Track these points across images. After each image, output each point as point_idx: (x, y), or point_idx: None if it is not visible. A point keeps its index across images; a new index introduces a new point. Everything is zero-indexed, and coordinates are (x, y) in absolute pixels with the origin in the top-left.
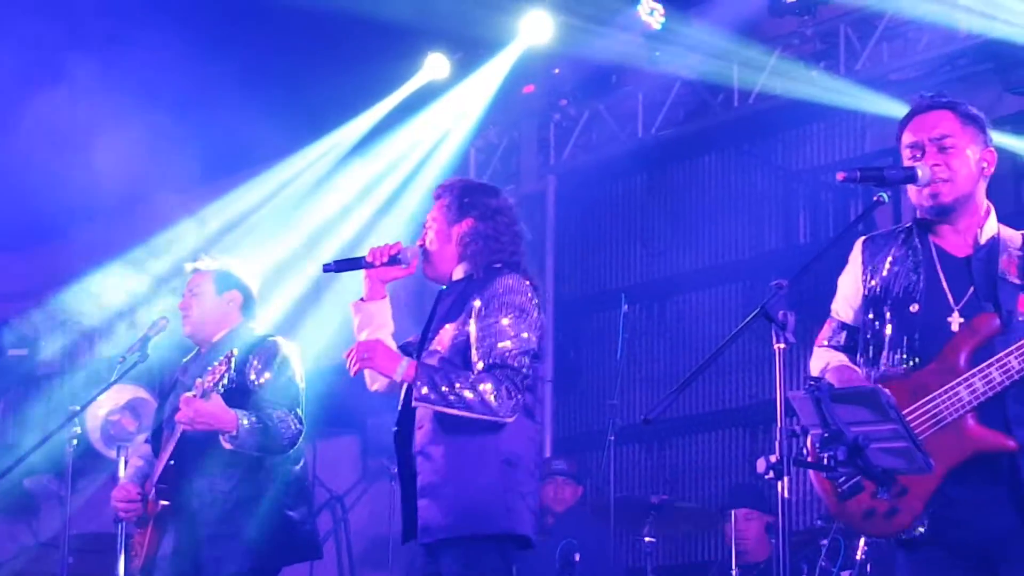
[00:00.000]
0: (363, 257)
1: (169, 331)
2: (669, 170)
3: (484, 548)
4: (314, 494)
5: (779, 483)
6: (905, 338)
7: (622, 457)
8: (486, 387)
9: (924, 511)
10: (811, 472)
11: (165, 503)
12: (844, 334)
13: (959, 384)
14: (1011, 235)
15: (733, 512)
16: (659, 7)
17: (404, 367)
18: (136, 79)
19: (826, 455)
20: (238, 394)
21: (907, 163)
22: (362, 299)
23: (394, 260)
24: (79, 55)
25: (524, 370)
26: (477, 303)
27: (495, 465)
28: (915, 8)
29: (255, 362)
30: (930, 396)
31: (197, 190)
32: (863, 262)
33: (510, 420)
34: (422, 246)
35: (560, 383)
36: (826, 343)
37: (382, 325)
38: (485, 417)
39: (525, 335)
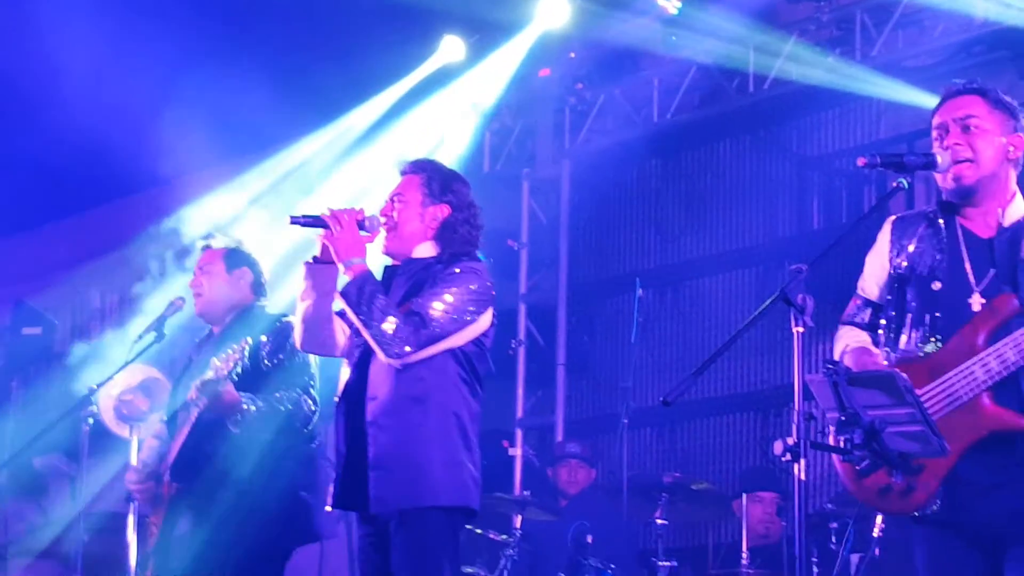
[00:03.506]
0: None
1: (183, 312)
2: (684, 155)
3: (435, 518)
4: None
5: (795, 465)
6: (927, 316)
7: (635, 440)
8: (392, 319)
9: (938, 490)
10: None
11: (179, 485)
12: (869, 311)
13: (974, 364)
14: None
15: (744, 495)
16: None
17: (357, 263)
18: (146, 60)
19: (843, 438)
20: (251, 376)
21: (934, 145)
22: (315, 259)
23: (359, 225)
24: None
25: (436, 328)
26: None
27: (450, 438)
28: None
29: (267, 343)
30: (946, 376)
31: (207, 172)
32: (891, 240)
33: (394, 361)
34: (387, 217)
35: (573, 366)
36: (851, 320)
37: (330, 292)
38: (374, 342)
39: (462, 308)
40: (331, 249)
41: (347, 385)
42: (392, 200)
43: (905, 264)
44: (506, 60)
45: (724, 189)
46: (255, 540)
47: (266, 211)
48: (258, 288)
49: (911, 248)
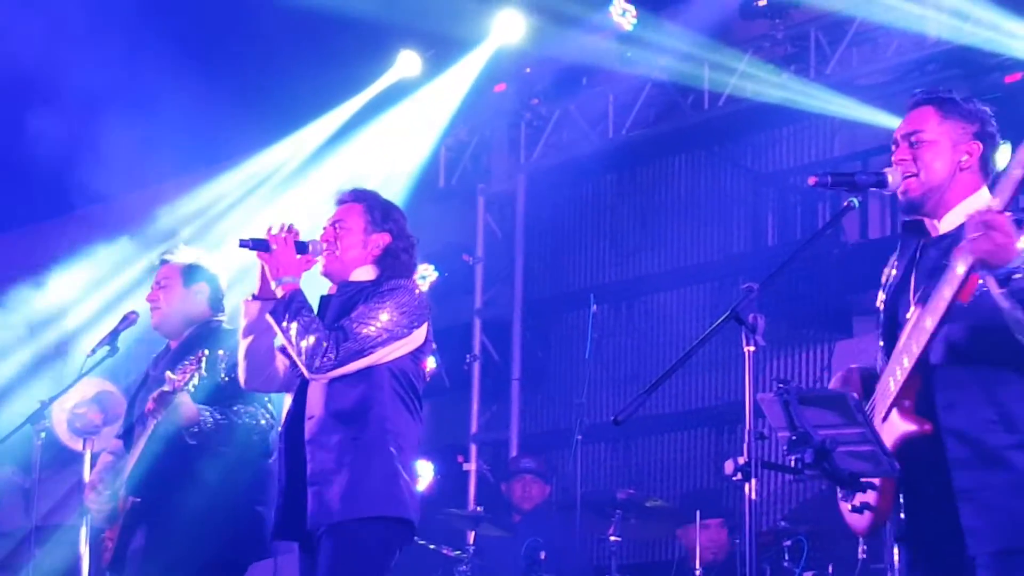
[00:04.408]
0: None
1: (139, 325)
2: (639, 171)
3: (369, 529)
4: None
5: (746, 485)
6: (882, 337)
7: (589, 456)
8: (311, 337)
9: (892, 508)
10: None
11: (136, 500)
12: None
13: (888, 376)
14: None
15: (697, 514)
16: (631, 8)
17: (288, 282)
18: (98, 71)
19: (793, 458)
20: (209, 389)
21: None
22: (254, 296)
23: (302, 248)
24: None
25: (358, 342)
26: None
27: (386, 451)
28: (885, 14)
29: (225, 357)
30: (876, 392)
31: (164, 185)
32: (888, 267)
33: (316, 376)
34: (328, 243)
35: (527, 382)
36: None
37: (270, 327)
38: (296, 356)
39: (392, 323)
40: (267, 269)
41: (288, 413)
42: (333, 227)
43: (883, 288)
44: (462, 75)
45: (679, 205)
46: (211, 554)
47: (223, 224)
48: (216, 304)
49: (891, 271)
